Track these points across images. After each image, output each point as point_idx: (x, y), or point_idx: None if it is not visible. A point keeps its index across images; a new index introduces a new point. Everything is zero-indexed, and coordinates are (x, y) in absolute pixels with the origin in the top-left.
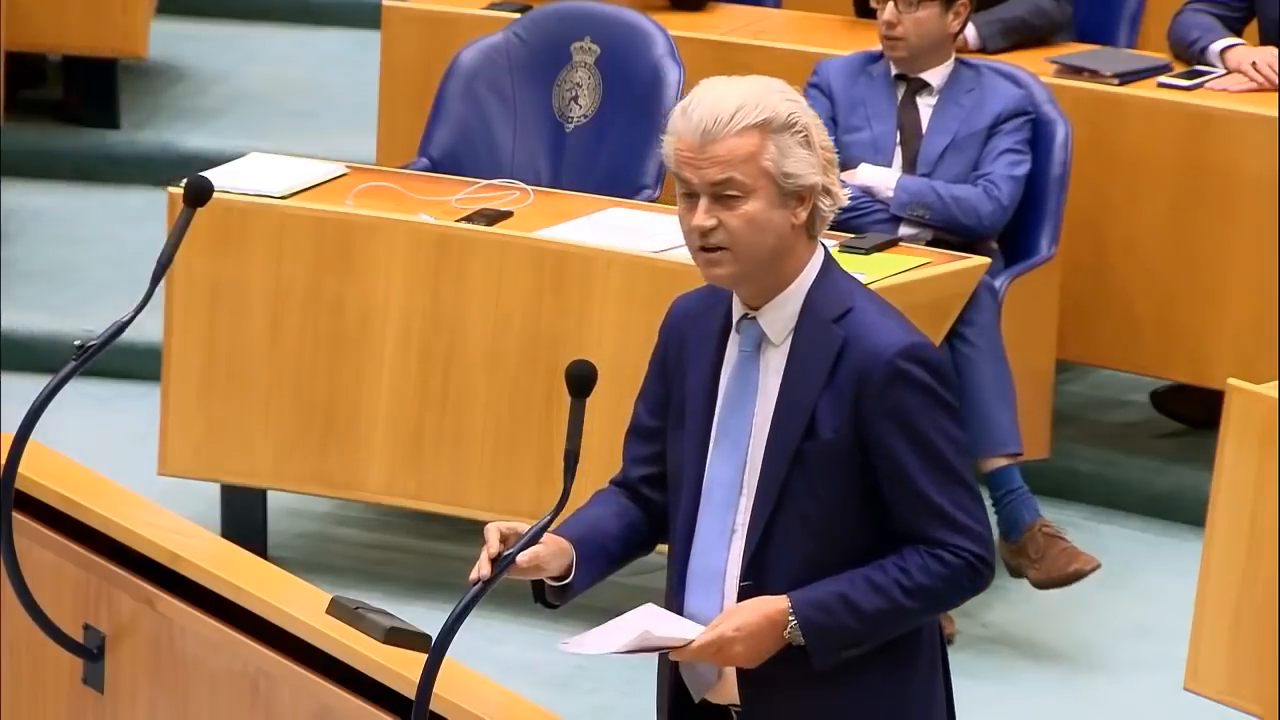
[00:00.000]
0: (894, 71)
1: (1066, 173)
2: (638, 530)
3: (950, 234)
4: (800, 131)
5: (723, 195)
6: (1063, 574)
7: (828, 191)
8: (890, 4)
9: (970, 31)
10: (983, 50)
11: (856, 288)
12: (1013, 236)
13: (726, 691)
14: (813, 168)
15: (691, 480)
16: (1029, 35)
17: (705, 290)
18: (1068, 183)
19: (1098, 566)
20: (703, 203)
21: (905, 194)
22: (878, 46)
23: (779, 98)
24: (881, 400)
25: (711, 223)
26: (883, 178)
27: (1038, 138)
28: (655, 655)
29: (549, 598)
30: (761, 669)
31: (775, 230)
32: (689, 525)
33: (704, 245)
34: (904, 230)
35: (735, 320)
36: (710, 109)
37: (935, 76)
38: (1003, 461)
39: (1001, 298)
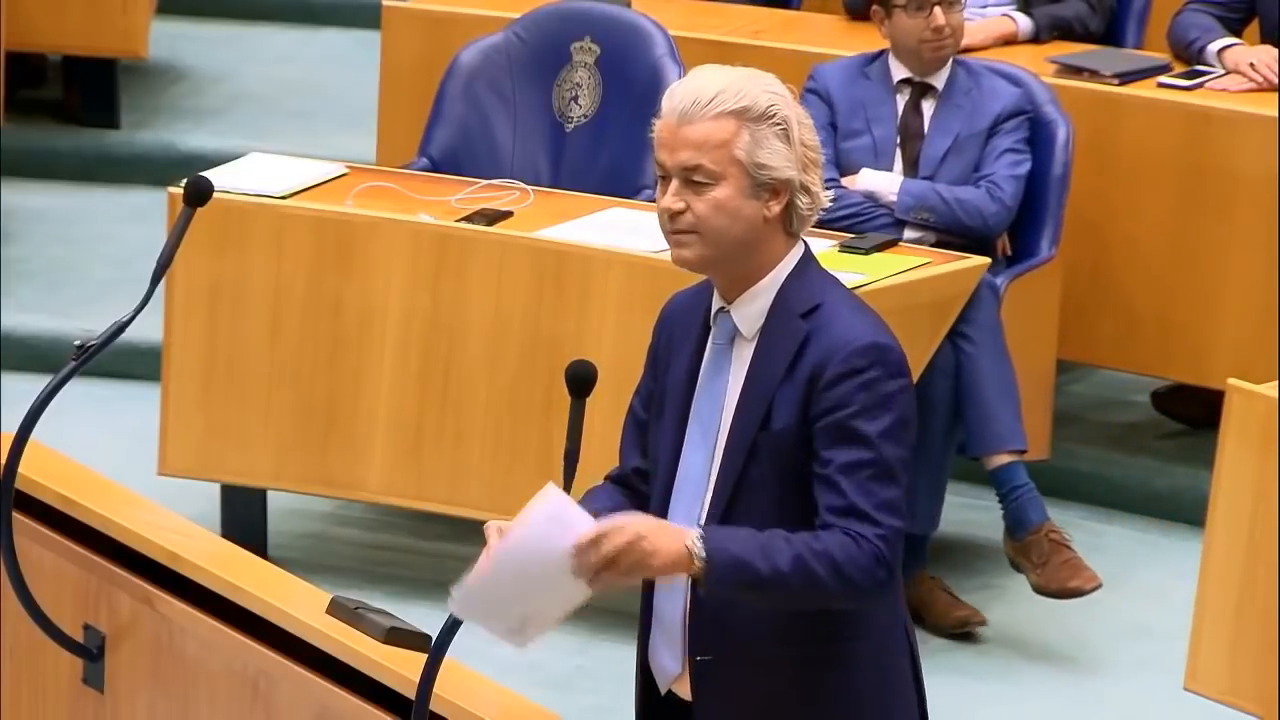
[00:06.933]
0: (899, 76)
1: (1067, 173)
2: None
3: (955, 236)
4: (779, 124)
5: (692, 180)
6: (1062, 587)
7: (806, 190)
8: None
9: (1024, 22)
10: (1034, 40)
11: (832, 286)
12: (1013, 237)
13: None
14: (788, 162)
15: (665, 471)
16: (1066, 37)
17: (699, 286)
18: (1069, 183)
19: (1098, 586)
20: (673, 185)
21: (909, 198)
22: (875, 48)
23: (761, 88)
24: (827, 392)
25: (680, 206)
26: (885, 182)
27: (1039, 138)
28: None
29: None
30: (707, 662)
31: (744, 220)
32: (661, 516)
33: (673, 228)
34: (908, 234)
35: (712, 313)
36: (691, 92)
37: (940, 79)
38: (1007, 458)
39: (1001, 296)
